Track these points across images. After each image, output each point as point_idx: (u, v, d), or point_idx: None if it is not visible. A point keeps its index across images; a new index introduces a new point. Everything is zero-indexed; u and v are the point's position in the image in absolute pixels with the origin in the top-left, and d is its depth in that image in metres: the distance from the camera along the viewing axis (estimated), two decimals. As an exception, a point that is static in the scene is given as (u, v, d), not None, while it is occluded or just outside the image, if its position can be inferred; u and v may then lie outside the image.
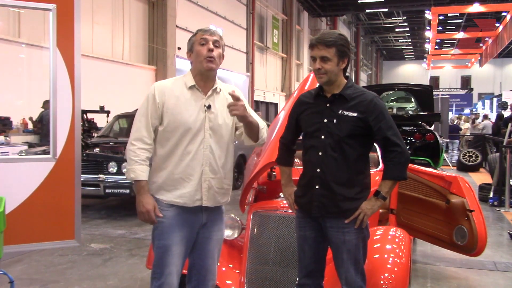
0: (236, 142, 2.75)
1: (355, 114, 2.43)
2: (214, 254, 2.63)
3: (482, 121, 18.83)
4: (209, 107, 2.51)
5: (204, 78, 2.54)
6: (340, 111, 2.46)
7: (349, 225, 2.46)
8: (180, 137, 2.46)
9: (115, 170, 6.52)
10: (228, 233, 3.38)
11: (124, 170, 2.43)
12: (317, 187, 2.49)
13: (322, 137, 2.47)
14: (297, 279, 2.70)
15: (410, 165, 4.46)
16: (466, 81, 52.98)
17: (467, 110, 34.62)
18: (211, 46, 2.49)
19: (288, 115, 2.74)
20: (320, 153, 2.47)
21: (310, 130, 2.53)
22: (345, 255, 2.47)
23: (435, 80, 51.68)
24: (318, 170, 2.48)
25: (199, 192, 2.49)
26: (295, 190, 2.66)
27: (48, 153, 3.94)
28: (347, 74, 2.57)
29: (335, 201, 2.45)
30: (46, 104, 9.23)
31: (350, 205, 2.46)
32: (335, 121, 2.45)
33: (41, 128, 9.41)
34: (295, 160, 2.86)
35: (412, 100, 10.81)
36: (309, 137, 2.55)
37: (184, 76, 2.57)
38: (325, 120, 2.48)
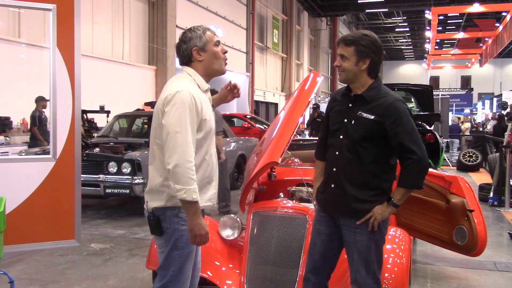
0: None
1: (372, 117, 2.39)
2: (200, 249, 2.64)
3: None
4: (213, 106, 2.50)
5: (209, 79, 2.46)
6: (359, 112, 2.44)
7: (361, 226, 2.45)
8: (209, 143, 2.41)
9: (115, 170, 6.52)
10: (228, 233, 3.38)
11: (177, 190, 2.26)
12: (332, 185, 2.51)
13: (341, 136, 2.48)
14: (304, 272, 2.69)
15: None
16: (466, 81, 52.90)
17: (467, 110, 34.60)
18: (225, 48, 2.45)
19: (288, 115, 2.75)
20: (337, 153, 2.49)
21: (333, 128, 2.55)
22: (356, 255, 2.47)
23: (435, 80, 51.59)
24: (334, 169, 2.50)
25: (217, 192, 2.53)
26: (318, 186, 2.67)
27: (48, 153, 3.95)
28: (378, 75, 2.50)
29: (347, 201, 2.46)
30: (39, 101, 9.05)
31: (361, 206, 2.44)
32: (353, 122, 2.44)
33: (39, 129, 9.05)
34: (296, 160, 2.86)
35: (412, 100, 10.81)
36: (331, 136, 2.56)
37: (191, 77, 2.38)
38: (345, 120, 2.48)
